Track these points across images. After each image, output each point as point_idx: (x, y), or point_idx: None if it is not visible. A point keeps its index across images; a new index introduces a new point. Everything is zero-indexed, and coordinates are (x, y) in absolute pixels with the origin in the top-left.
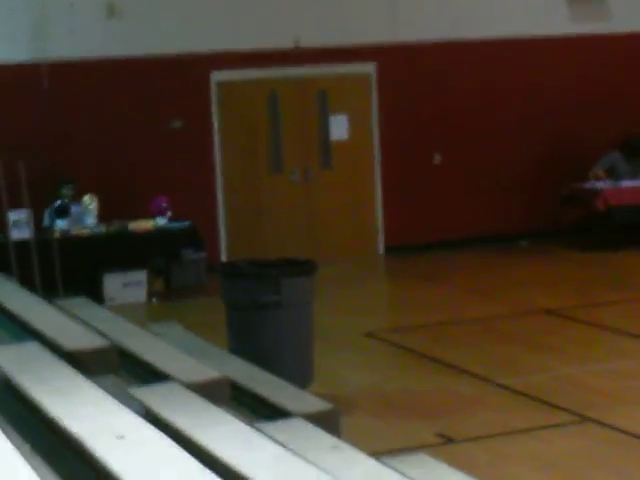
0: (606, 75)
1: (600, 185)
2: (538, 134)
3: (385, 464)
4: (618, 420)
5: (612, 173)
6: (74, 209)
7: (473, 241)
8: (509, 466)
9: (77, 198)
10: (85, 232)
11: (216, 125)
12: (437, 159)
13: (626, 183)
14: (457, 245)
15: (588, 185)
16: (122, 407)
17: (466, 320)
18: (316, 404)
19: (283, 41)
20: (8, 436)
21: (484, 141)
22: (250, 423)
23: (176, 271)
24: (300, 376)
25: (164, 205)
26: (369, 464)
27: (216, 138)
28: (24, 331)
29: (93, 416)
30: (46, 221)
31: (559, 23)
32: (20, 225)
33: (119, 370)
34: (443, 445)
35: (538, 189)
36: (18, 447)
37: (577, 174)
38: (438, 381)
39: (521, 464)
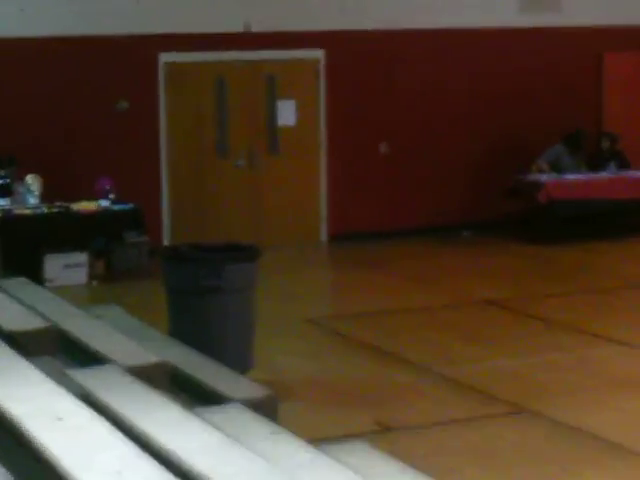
0: (553, 68)
1: (543, 178)
2: (484, 125)
3: (323, 451)
4: (555, 412)
5: (555, 166)
6: (17, 188)
7: (417, 231)
8: (447, 456)
9: (20, 178)
10: (27, 212)
11: (162, 108)
12: (383, 148)
13: (569, 176)
14: (401, 234)
15: (531, 178)
16: (61, 389)
17: (407, 309)
18: (254, 390)
19: (233, 25)
20: None
21: (430, 131)
22: (189, 408)
23: (117, 254)
24: (240, 362)
25: (107, 187)
26: (307, 451)
27: (162, 121)
28: None
29: (31, 398)
30: None
31: (508, 14)
32: None
33: (58, 352)
34: (381, 433)
35: (482, 180)
36: None
37: (521, 166)
38: (377, 369)
39: (459, 454)
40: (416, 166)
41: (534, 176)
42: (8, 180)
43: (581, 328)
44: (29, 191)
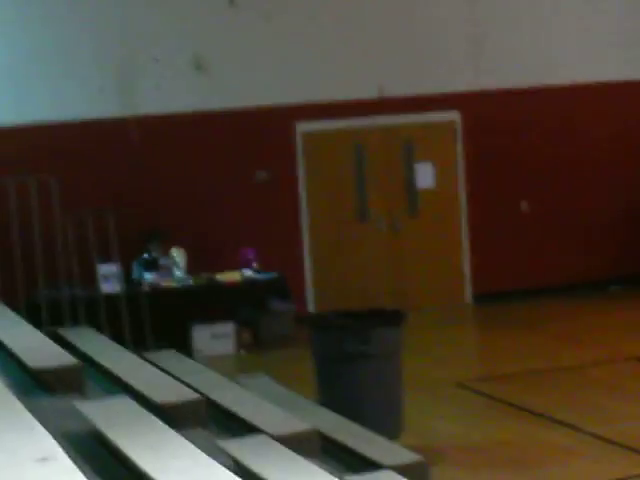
0: None
1: None
2: (626, 178)
3: None
4: None
5: None
6: (162, 262)
7: (562, 288)
8: None
9: (165, 252)
10: (173, 284)
11: (302, 176)
12: (524, 206)
13: None
14: (545, 292)
15: None
16: (212, 460)
17: (557, 368)
18: (405, 456)
19: (367, 91)
20: None
21: (571, 187)
22: (340, 476)
23: (264, 322)
24: (389, 427)
25: (251, 257)
26: None
27: (302, 189)
28: (115, 385)
29: (184, 470)
30: (135, 273)
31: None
32: (110, 278)
33: (208, 423)
34: None
35: (628, 234)
36: None
37: None
38: (529, 431)
39: None
40: (558, 222)
41: None
42: (154, 254)
43: None
44: (175, 264)
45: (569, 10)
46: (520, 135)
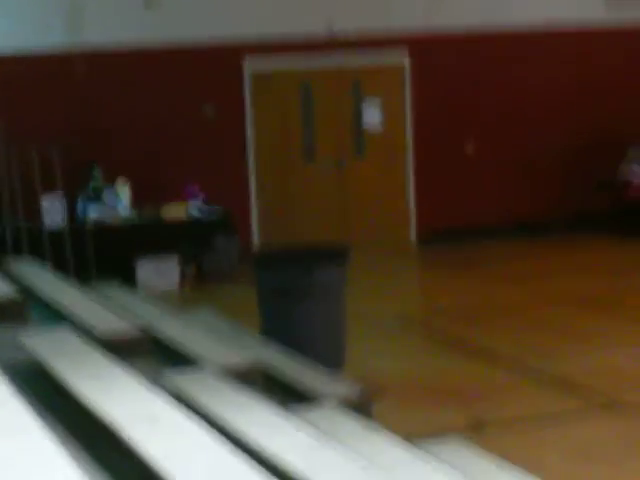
0: None
1: (634, 172)
2: (572, 122)
3: (418, 448)
4: None
5: None
6: (107, 194)
7: (506, 229)
8: (542, 452)
9: (109, 183)
10: (118, 220)
11: (249, 113)
12: (469, 149)
13: None
14: (489, 232)
15: (622, 172)
16: (155, 391)
17: (500, 306)
18: (349, 388)
19: (317, 29)
20: (41, 420)
21: (517, 130)
22: (282, 407)
23: (208, 258)
24: (332, 361)
25: (197, 192)
26: (402, 448)
27: (249, 126)
28: (57, 316)
29: (126, 400)
30: (79, 209)
31: (594, 13)
32: (54, 212)
33: (151, 355)
34: (475, 430)
35: (571, 176)
36: (51, 431)
37: (613, 161)
38: (470, 366)
39: (556, 450)
40: (503, 164)
41: (626, 170)
42: (98, 184)
43: None
44: (119, 200)
45: None
46: (468, 78)
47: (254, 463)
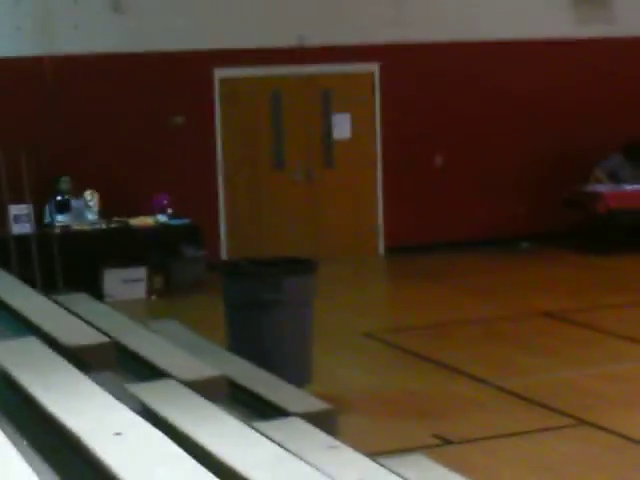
0: (609, 79)
1: (602, 188)
2: (540, 137)
3: (382, 464)
4: (615, 424)
5: (613, 177)
6: (75, 204)
7: (474, 243)
8: (506, 469)
9: (78, 194)
10: (86, 228)
11: (218, 122)
12: (439, 160)
13: (627, 187)
14: (457, 247)
15: (589, 188)
16: (120, 404)
17: (465, 321)
18: (314, 404)
19: (287, 39)
20: (5, 431)
21: (486, 143)
22: (247, 422)
23: (176, 268)
24: (298, 375)
25: (165, 202)
26: (366, 464)
27: (218, 135)
28: (23, 326)
29: (91, 412)
30: (47, 217)
31: (563, 26)
32: (21, 219)
33: (117, 366)
34: (440, 447)
35: (540, 192)
36: (15, 442)
37: (579, 177)
38: (436, 382)
39: (518, 467)
40: (472, 178)
41: (592, 186)
42: (67, 196)
43: None
44: (87, 207)
45: None
46: (438, 89)
47: (218, 477)
